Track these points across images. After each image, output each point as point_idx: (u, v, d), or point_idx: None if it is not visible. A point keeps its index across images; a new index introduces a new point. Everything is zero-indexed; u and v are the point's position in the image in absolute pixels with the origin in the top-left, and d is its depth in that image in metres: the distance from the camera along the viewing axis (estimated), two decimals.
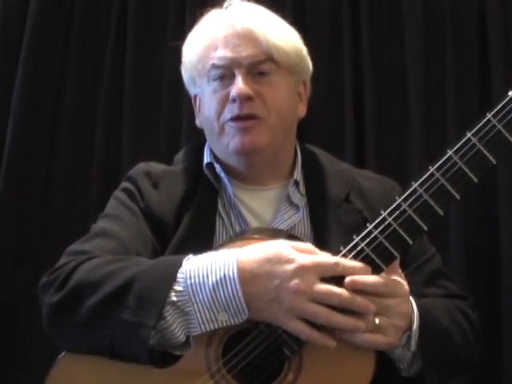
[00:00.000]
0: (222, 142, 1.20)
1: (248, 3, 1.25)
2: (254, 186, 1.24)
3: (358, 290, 0.95)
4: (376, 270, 0.98)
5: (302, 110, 1.28)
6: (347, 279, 0.96)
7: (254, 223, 1.20)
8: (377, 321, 0.97)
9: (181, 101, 1.85)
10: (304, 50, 1.26)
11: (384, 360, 1.04)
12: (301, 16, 1.98)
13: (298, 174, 1.24)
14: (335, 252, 0.99)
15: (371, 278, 0.97)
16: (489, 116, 0.96)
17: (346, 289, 0.95)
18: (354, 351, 0.99)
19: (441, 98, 1.88)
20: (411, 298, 1.05)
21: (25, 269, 1.91)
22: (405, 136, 1.90)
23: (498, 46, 1.83)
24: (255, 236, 1.07)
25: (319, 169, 1.27)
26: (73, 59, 2.07)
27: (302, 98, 1.28)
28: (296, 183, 1.24)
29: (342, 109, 1.93)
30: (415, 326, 1.03)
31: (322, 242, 1.14)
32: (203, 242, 1.13)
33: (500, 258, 1.79)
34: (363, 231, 0.99)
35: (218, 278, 0.95)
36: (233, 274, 0.94)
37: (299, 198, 1.23)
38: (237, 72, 1.16)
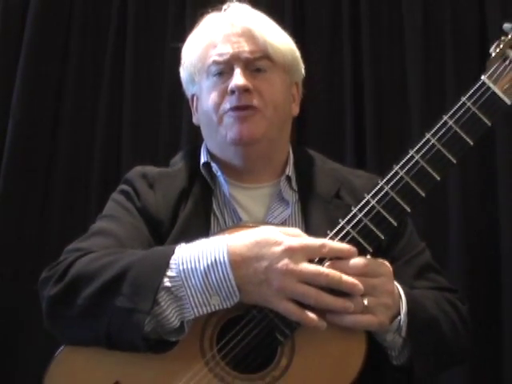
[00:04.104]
0: (220, 133, 1.23)
1: (246, 6, 1.31)
2: (248, 183, 1.27)
3: (338, 271, 0.98)
4: (362, 252, 1.01)
5: (295, 110, 1.33)
6: (327, 262, 0.99)
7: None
8: (365, 302, 0.99)
9: (181, 101, 1.85)
10: (298, 53, 1.32)
11: (375, 349, 1.05)
12: (300, 16, 2.01)
13: (290, 170, 1.28)
14: (322, 235, 1.02)
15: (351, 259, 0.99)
16: (463, 99, 1.00)
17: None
18: (346, 333, 1.01)
19: (441, 98, 1.90)
20: (398, 285, 1.07)
21: (25, 268, 1.92)
22: (405, 137, 1.92)
23: None
24: (247, 224, 1.10)
25: (311, 167, 1.30)
26: (73, 59, 2.09)
27: (295, 99, 1.33)
28: (288, 179, 1.27)
29: (342, 110, 1.95)
30: (404, 310, 1.04)
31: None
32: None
33: (500, 258, 1.80)
34: (348, 215, 1.02)
35: (209, 262, 0.98)
36: (223, 257, 0.98)
37: (291, 194, 1.26)
38: (235, 66, 1.22)
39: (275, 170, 1.29)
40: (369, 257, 1.03)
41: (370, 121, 1.91)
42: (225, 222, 1.23)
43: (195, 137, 1.35)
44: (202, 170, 1.27)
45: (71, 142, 2.06)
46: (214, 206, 1.24)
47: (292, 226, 1.23)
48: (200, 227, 1.20)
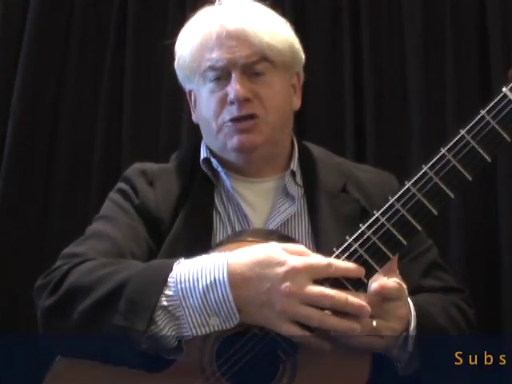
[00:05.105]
0: (220, 141, 1.21)
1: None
2: (251, 178, 1.25)
3: (383, 296, 0.96)
4: (369, 271, 0.97)
5: (297, 103, 1.30)
6: (375, 285, 0.95)
7: (251, 216, 1.21)
8: (374, 323, 0.96)
9: (181, 101, 1.85)
10: (296, 42, 1.26)
11: (381, 359, 1.03)
12: (301, 15, 1.98)
13: (294, 165, 1.25)
14: (328, 253, 0.98)
15: (391, 284, 0.97)
16: (482, 113, 0.94)
17: (373, 294, 0.95)
18: (350, 354, 0.98)
19: (441, 95, 1.88)
20: (409, 300, 1.04)
21: (25, 269, 1.91)
22: (405, 135, 1.91)
23: (498, 46, 1.83)
24: (248, 239, 1.05)
25: (316, 161, 1.28)
26: (73, 59, 2.08)
27: (296, 89, 1.30)
28: (293, 173, 1.25)
29: (342, 108, 1.94)
30: (412, 326, 1.02)
31: (319, 233, 1.16)
32: (200, 238, 1.14)
33: (500, 258, 1.79)
34: (356, 232, 0.97)
35: (209, 281, 0.94)
36: (223, 277, 0.93)
37: (296, 189, 1.24)
38: (233, 73, 1.17)
39: (279, 164, 1.27)
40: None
41: (369, 117, 1.90)
42: (228, 218, 1.21)
43: (195, 136, 1.32)
44: (203, 166, 1.24)
45: (71, 142, 2.05)
46: (217, 202, 1.22)
47: (298, 222, 1.21)
48: (202, 225, 1.18)
